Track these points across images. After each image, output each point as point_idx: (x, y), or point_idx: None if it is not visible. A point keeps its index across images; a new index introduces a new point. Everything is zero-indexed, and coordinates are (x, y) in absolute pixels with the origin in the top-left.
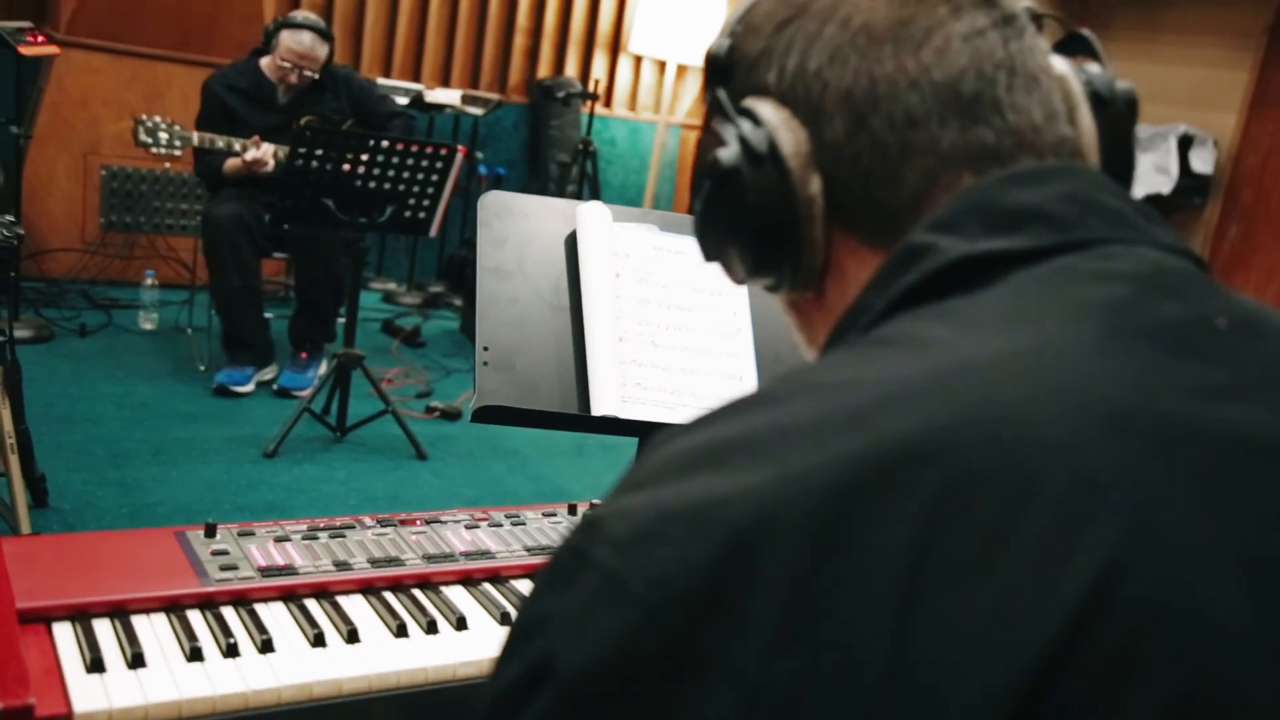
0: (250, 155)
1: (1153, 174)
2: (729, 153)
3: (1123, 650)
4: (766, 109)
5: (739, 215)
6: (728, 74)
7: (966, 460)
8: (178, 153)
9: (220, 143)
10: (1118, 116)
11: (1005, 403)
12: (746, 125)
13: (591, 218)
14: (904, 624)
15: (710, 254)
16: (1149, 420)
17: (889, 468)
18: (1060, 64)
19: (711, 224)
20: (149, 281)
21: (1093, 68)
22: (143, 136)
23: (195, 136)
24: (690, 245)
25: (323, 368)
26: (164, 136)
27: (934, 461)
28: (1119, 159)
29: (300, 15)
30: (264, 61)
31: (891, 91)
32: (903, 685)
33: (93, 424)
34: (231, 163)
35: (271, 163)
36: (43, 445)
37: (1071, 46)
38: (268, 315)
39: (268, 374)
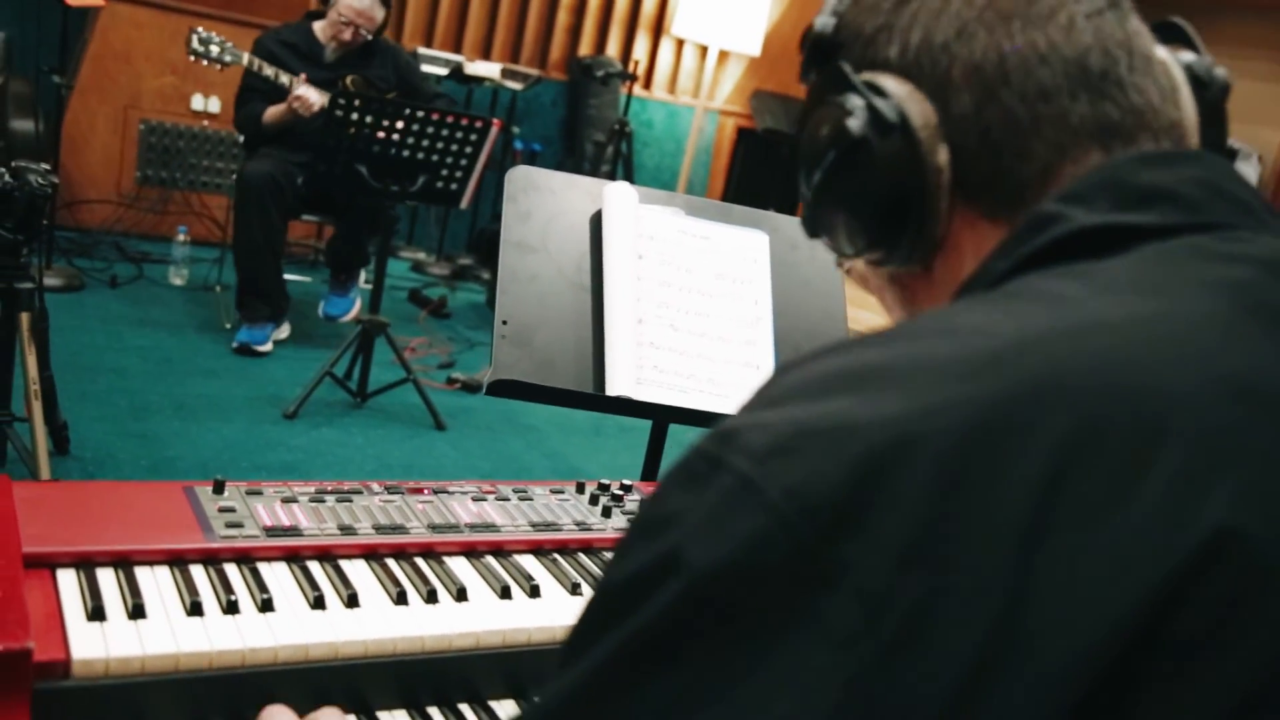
0: (298, 90)
1: None
2: (858, 122)
3: (1230, 605)
4: (890, 82)
5: (864, 185)
6: (835, 51)
7: (1098, 406)
8: (226, 63)
9: (268, 71)
10: (1215, 101)
11: (1137, 359)
12: (874, 96)
13: (617, 198)
14: (1028, 556)
15: (820, 227)
16: (1272, 393)
17: (1023, 408)
18: (1160, 49)
19: (831, 195)
20: (181, 237)
21: (1186, 54)
22: (195, 45)
23: (245, 57)
24: (715, 230)
25: (357, 306)
26: (215, 49)
27: (1066, 405)
28: (1216, 142)
29: None
30: (317, 25)
31: (1023, 65)
32: (1022, 612)
33: (117, 375)
34: (274, 110)
35: (316, 105)
36: (68, 394)
37: (1166, 33)
38: (293, 277)
39: (283, 332)
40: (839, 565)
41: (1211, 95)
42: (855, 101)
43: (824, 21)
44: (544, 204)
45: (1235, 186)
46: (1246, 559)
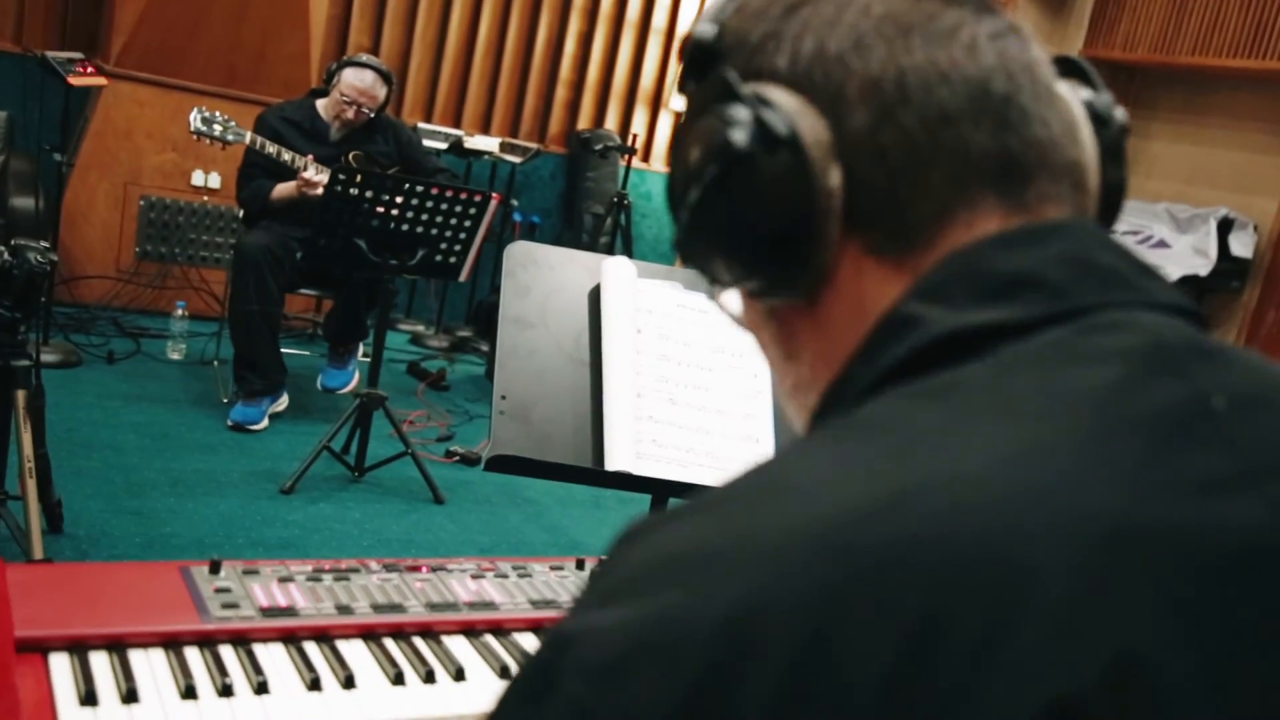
0: (308, 174)
1: (1191, 255)
2: (742, 134)
3: None
4: (779, 94)
5: (747, 206)
6: (717, 60)
7: (945, 584)
8: (229, 141)
9: (271, 149)
10: (1114, 140)
11: (992, 522)
12: (762, 108)
13: (616, 272)
14: None
15: (693, 253)
16: (1141, 533)
17: (866, 595)
18: (1060, 83)
19: (709, 216)
20: (179, 312)
21: (1085, 91)
22: (198, 124)
23: (248, 135)
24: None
25: (355, 379)
26: (218, 128)
27: (908, 587)
28: (1116, 183)
29: (364, 56)
30: (320, 103)
31: (924, 84)
32: None
33: (113, 451)
34: (282, 188)
35: (322, 189)
36: (62, 470)
37: (1064, 68)
38: (291, 350)
39: (280, 405)
40: None
41: (1111, 134)
42: (740, 113)
43: (704, 28)
44: (542, 279)
45: (1105, 255)
46: None
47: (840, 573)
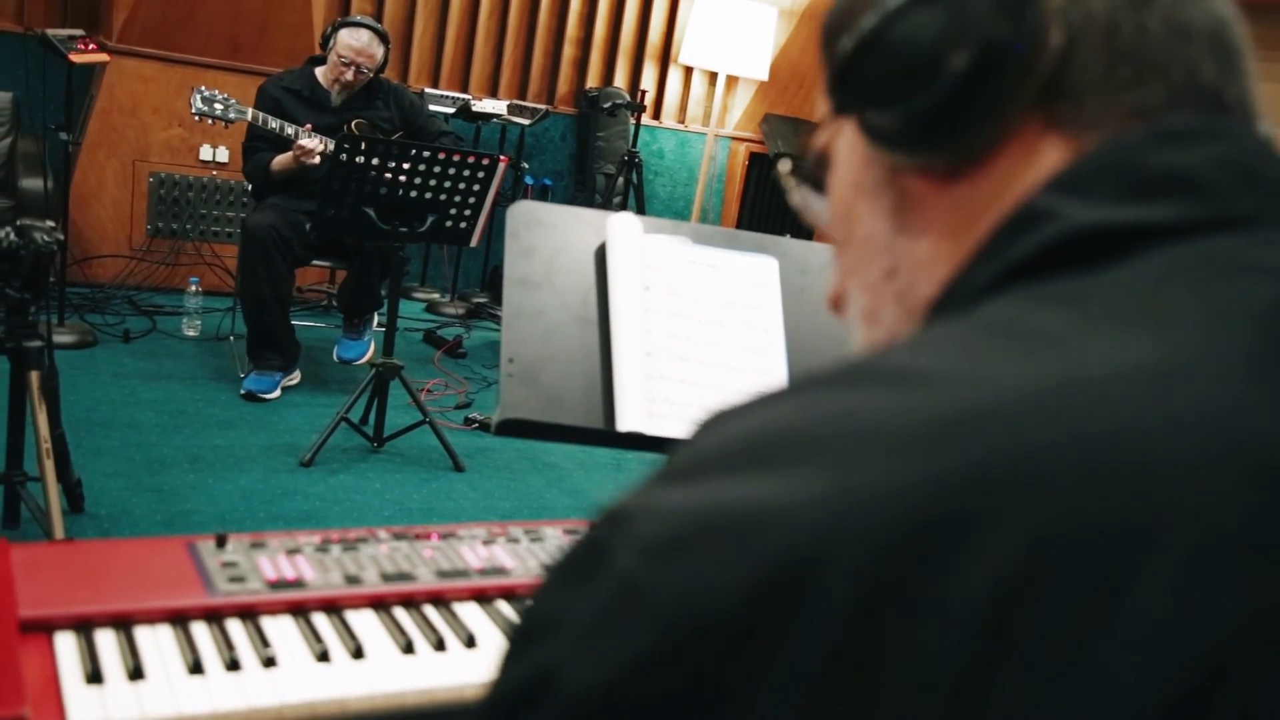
0: (303, 140)
1: None
2: None
3: None
4: None
5: (950, 34)
6: None
7: (1071, 505)
8: (231, 120)
9: (273, 124)
10: None
11: (1127, 431)
12: None
13: (621, 229)
14: (972, 695)
15: (850, 79)
16: None
17: (976, 502)
18: None
19: (896, 36)
20: (193, 289)
21: None
22: (199, 104)
23: (250, 112)
24: (723, 258)
25: (371, 349)
26: (219, 107)
27: (1033, 500)
28: None
29: (358, 16)
30: (319, 70)
31: None
32: None
33: (132, 430)
34: (281, 159)
35: (319, 158)
36: (82, 450)
37: None
38: (306, 323)
39: (293, 379)
40: (731, 695)
41: None
42: None
43: None
44: (547, 239)
45: (1268, 166)
46: (1239, 708)
47: (948, 474)
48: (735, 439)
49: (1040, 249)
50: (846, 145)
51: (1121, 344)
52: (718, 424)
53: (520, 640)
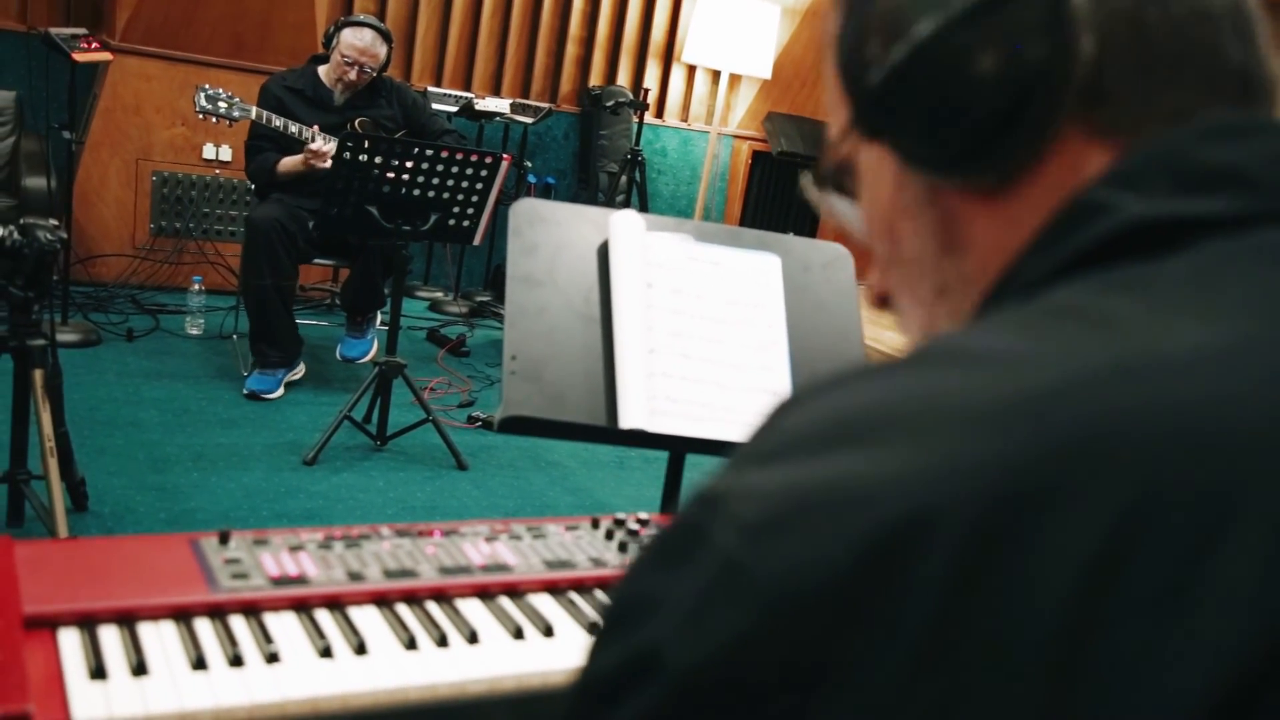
0: (316, 145)
1: None
2: None
3: None
4: None
5: (982, 60)
6: None
7: (1157, 471)
8: (235, 118)
9: (277, 122)
10: None
11: (1204, 405)
12: None
13: (624, 226)
14: (1071, 656)
15: (883, 112)
16: None
17: (1064, 473)
18: None
19: (930, 66)
20: (196, 287)
21: None
22: (202, 103)
23: (254, 111)
24: (725, 255)
25: (374, 347)
26: (223, 106)
27: (1119, 470)
28: None
29: (361, 15)
30: (322, 69)
31: None
32: None
33: (135, 428)
34: (288, 161)
35: (330, 161)
36: (85, 449)
37: None
38: (309, 321)
39: (296, 374)
40: (838, 665)
41: None
42: None
43: None
44: (550, 236)
45: None
46: None
47: (1036, 445)
48: (823, 419)
49: (1100, 240)
50: (875, 160)
51: (1190, 327)
52: (794, 406)
53: (614, 624)
